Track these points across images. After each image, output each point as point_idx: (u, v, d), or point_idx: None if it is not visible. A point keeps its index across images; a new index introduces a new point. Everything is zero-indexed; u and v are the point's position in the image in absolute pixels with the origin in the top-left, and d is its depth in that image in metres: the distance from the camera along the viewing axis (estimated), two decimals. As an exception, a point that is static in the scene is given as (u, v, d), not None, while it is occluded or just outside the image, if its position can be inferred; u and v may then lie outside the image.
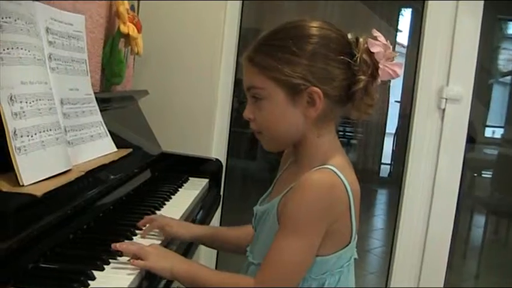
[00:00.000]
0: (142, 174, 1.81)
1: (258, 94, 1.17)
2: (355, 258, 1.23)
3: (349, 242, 1.17)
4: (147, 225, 1.40)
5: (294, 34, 1.16)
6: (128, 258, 1.15)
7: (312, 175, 1.11)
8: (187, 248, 1.42)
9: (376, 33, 1.16)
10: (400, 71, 1.17)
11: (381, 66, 1.15)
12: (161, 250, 1.21)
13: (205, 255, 2.57)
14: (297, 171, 1.19)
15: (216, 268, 2.67)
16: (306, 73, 1.13)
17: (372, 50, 1.15)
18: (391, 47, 1.16)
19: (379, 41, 1.15)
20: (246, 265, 1.28)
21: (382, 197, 5.78)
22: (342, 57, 1.14)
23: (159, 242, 1.33)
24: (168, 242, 1.38)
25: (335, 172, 1.11)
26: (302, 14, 1.23)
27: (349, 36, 1.18)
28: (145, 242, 1.29)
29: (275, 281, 1.10)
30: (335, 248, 1.16)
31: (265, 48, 1.17)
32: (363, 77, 1.14)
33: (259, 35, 1.21)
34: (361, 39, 1.16)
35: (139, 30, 2.07)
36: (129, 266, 1.12)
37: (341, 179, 1.11)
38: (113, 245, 1.17)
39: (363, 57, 1.14)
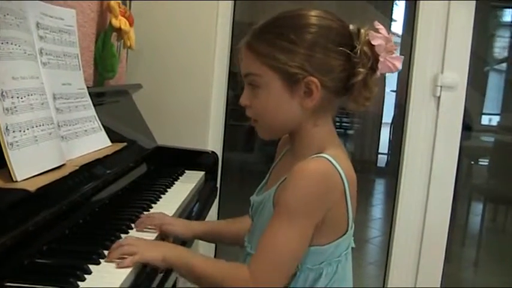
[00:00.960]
0: (138, 168, 1.80)
1: (255, 81, 1.17)
2: (352, 247, 1.23)
3: (346, 231, 1.17)
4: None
5: (294, 23, 1.15)
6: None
7: (306, 164, 1.11)
8: (183, 242, 1.41)
9: (378, 25, 1.15)
10: (400, 65, 1.16)
11: (381, 59, 1.14)
12: (148, 241, 1.21)
13: (204, 246, 2.57)
14: (293, 160, 1.19)
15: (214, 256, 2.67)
16: (304, 62, 1.12)
17: (373, 43, 1.13)
18: (392, 39, 1.15)
19: (381, 33, 1.14)
20: (244, 255, 1.28)
21: (379, 187, 5.79)
22: (341, 48, 1.13)
23: (154, 236, 1.33)
24: (163, 238, 1.37)
25: (329, 160, 1.11)
26: (297, 5, 1.22)
27: (351, 27, 1.17)
28: (142, 236, 1.29)
29: (269, 268, 1.10)
30: (332, 238, 1.16)
31: (264, 35, 1.16)
32: (362, 70, 1.13)
33: (257, 23, 1.19)
34: (362, 31, 1.15)
35: (131, 24, 2.06)
36: (125, 260, 1.10)
37: (335, 167, 1.11)
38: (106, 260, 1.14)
39: (364, 49, 1.13)
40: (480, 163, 4.07)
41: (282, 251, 1.10)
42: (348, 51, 1.13)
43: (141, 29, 2.22)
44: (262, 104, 1.17)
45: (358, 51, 1.13)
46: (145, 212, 1.47)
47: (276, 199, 1.17)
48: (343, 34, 1.16)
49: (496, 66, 4.54)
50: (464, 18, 2.47)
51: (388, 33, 1.15)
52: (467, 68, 2.50)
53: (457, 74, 2.48)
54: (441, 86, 2.48)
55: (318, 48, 1.13)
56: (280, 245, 1.10)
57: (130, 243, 1.15)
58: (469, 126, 3.47)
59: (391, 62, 1.15)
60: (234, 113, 2.71)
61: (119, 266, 1.09)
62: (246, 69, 1.18)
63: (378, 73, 1.16)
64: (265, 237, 1.11)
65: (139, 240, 1.19)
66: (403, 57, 1.17)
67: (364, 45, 1.14)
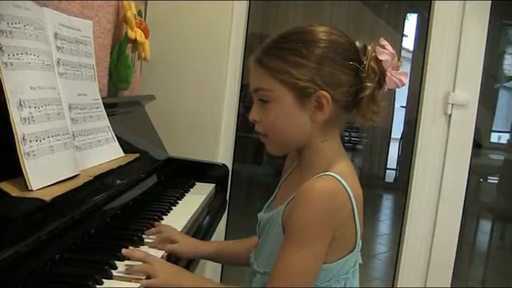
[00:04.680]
0: (149, 179, 1.81)
1: (266, 96, 1.17)
2: (359, 263, 1.23)
3: (354, 248, 1.17)
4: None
5: (304, 38, 1.16)
6: (136, 262, 1.15)
7: (314, 183, 1.11)
8: (189, 261, 1.42)
9: (383, 41, 1.17)
10: (406, 80, 1.18)
11: (387, 74, 1.16)
12: (168, 266, 1.20)
13: (211, 263, 2.57)
14: (300, 177, 1.19)
15: (221, 274, 2.67)
16: (314, 76, 1.13)
17: (379, 58, 1.15)
18: (396, 56, 1.17)
19: (387, 49, 1.16)
20: (250, 273, 1.28)
21: (387, 202, 5.78)
22: (350, 63, 1.15)
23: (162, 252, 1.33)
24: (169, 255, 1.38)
25: (337, 179, 1.11)
26: (308, 19, 1.24)
27: (357, 43, 1.19)
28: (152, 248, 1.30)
29: None
30: (340, 255, 1.15)
31: (275, 50, 1.17)
32: (369, 84, 1.15)
33: (267, 38, 1.21)
34: (369, 47, 1.17)
35: (146, 36, 2.07)
36: (143, 281, 1.11)
37: (343, 185, 1.11)
38: (122, 251, 1.17)
39: (371, 64, 1.15)
40: (489, 181, 4.06)
41: (296, 274, 1.10)
42: (357, 66, 1.15)
43: (155, 41, 2.24)
44: (272, 118, 1.18)
45: (366, 66, 1.15)
46: (156, 223, 1.48)
47: (285, 219, 1.17)
48: (350, 49, 1.17)
49: (506, 84, 4.54)
50: (476, 35, 2.47)
51: (393, 49, 1.17)
52: (479, 86, 2.50)
53: (469, 92, 2.48)
54: (452, 104, 2.48)
55: (328, 63, 1.14)
56: (293, 269, 1.09)
57: (150, 262, 1.15)
58: (478, 144, 3.46)
59: (397, 78, 1.17)
60: (244, 124, 2.73)
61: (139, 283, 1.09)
62: (257, 84, 1.19)
63: (385, 88, 1.18)
64: (278, 262, 1.11)
65: (162, 263, 1.19)
66: (408, 72, 1.19)
67: (371, 60, 1.16)
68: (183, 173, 2.08)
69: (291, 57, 1.14)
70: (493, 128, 4.31)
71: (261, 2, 3.40)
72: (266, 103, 1.18)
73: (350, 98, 1.16)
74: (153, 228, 1.42)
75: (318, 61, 1.13)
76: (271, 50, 1.18)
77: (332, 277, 1.15)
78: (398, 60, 1.18)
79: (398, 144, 5.88)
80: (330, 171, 1.13)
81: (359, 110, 1.17)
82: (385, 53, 1.15)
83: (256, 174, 4.55)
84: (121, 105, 1.95)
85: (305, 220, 1.09)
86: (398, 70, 1.17)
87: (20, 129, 1.11)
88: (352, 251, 1.17)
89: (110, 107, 1.68)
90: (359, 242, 1.18)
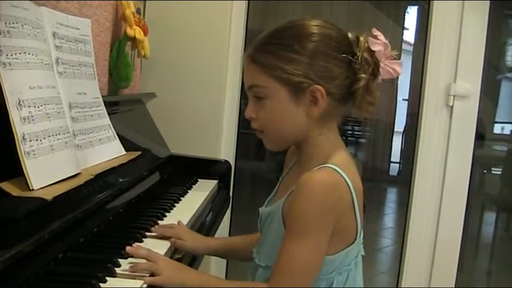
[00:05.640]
0: (152, 176, 1.80)
1: (260, 93, 1.17)
2: (362, 256, 1.23)
3: (355, 239, 1.17)
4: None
5: (296, 33, 1.16)
6: (139, 260, 1.15)
7: (313, 175, 1.11)
8: (193, 257, 1.42)
9: (376, 32, 1.17)
10: (400, 69, 1.18)
11: (381, 64, 1.16)
12: (172, 264, 1.20)
13: (216, 259, 2.57)
14: (300, 171, 1.19)
15: (226, 270, 2.67)
16: (308, 71, 1.13)
17: (372, 49, 1.15)
18: (389, 46, 1.17)
19: (379, 39, 1.16)
20: (253, 267, 1.28)
21: (391, 196, 5.77)
22: (343, 55, 1.15)
23: (169, 245, 1.33)
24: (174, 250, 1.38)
25: (336, 170, 1.11)
26: (308, 14, 1.24)
27: (350, 35, 1.18)
28: (155, 245, 1.29)
29: (289, 285, 1.10)
30: (341, 247, 1.15)
31: (267, 47, 1.17)
32: (364, 76, 1.15)
33: (260, 34, 1.21)
34: (361, 38, 1.17)
35: (145, 33, 2.07)
36: (146, 278, 1.10)
37: (342, 176, 1.11)
38: (126, 249, 1.16)
39: (364, 55, 1.15)
40: (493, 172, 4.05)
41: (299, 266, 1.10)
42: (350, 58, 1.15)
43: (155, 38, 2.23)
44: (268, 114, 1.18)
45: (359, 58, 1.15)
46: (159, 221, 1.47)
47: (285, 212, 1.17)
48: (343, 42, 1.17)
49: (508, 75, 4.52)
50: (477, 26, 2.47)
51: (386, 39, 1.17)
52: (481, 77, 2.49)
53: (470, 83, 2.47)
54: (454, 95, 2.47)
55: (321, 56, 1.14)
56: (296, 261, 1.09)
57: (154, 260, 1.15)
58: (481, 135, 3.45)
59: (391, 67, 1.17)
60: (245, 121, 2.72)
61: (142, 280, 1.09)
62: (251, 81, 1.19)
63: (380, 78, 1.18)
64: (281, 254, 1.11)
65: (164, 260, 1.19)
66: (402, 61, 1.18)
67: (364, 51, 1.15)
68: (185, 170, 2.07)
69: (284, 52, 1.14)
70: (496, 119, 4.30)
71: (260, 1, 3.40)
72: (261, 100, 1.18)
73: (345, 90, 1.16)
74: (160, 226, 1.41)
75: (311, 55, 1.14)
76: (264, 46, 1.18)
77: (334, 269, 1.16)
78: (393, 49, 1.18)
79: (401, 137, 5.87)
80: (328, 163, 1.13)
81: (354, 101, 1.17)
82: (377, 43, 1.15)
83: (259, 170, 4.55)
84: (122, 103, 1.95)
85: (306, 212, 1.09)
86: (392, 59, 1.17)
87: (19, 128, 1.12)
88: (353, 242, 1.17)
89: (111, 106, 1.68)
90: (360, 233, 1.18)
